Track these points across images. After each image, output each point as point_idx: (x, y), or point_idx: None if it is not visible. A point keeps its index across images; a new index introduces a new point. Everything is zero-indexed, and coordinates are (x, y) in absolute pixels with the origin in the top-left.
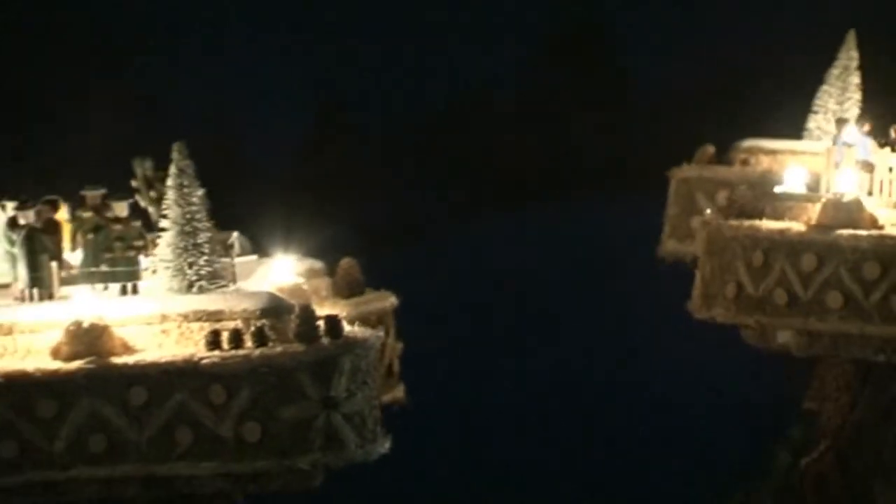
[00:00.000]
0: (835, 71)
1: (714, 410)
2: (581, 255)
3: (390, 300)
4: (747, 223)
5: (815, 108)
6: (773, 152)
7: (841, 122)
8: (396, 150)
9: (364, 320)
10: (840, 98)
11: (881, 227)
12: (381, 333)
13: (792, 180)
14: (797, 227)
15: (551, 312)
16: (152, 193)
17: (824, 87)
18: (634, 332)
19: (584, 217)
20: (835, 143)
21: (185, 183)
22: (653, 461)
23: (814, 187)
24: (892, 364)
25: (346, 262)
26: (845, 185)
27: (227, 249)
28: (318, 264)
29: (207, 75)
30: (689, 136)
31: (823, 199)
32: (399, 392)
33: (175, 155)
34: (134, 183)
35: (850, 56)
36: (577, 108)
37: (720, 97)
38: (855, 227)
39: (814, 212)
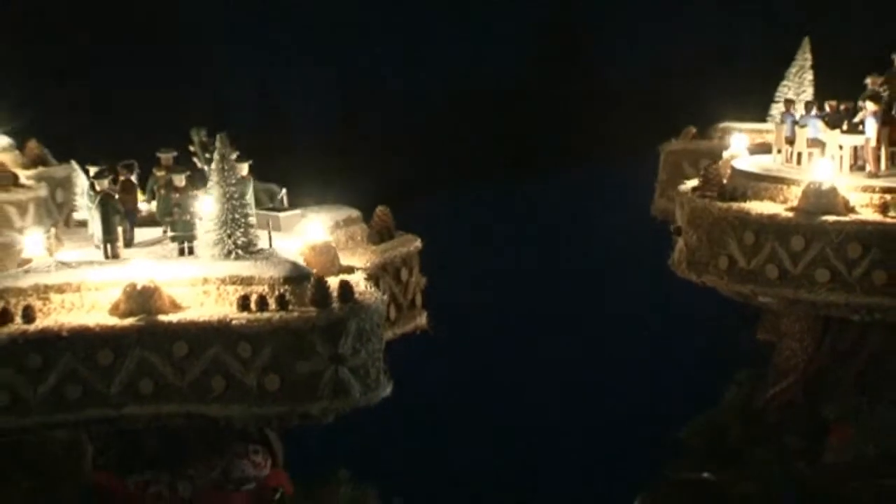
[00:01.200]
0: (792, 69)
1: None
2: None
3: (415, 244)
4: (736, 205)
5: (776, 98)
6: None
7: (788, 102)
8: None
9: (391, 262)
10: (797, 91)
11: (853, 209)
12: (386, 297)
13: (736, 145)
14: (784, 212)
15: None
16: (207, 156)
17: (784, 83)
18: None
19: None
20: (782, 121)
21: (227, 168)
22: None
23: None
24: (865, 322)
25: (380, 210)
26: (822, 173)
27: (274, 201)
28: (355, 212)
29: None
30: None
31: (803, 186)
32: (422, 320)
33: (218, 144)
34: (192, 148)
35: (805, 57)
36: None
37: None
38: (833, 211)
39: (789, 193)
